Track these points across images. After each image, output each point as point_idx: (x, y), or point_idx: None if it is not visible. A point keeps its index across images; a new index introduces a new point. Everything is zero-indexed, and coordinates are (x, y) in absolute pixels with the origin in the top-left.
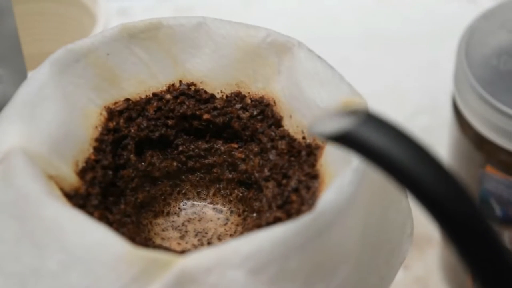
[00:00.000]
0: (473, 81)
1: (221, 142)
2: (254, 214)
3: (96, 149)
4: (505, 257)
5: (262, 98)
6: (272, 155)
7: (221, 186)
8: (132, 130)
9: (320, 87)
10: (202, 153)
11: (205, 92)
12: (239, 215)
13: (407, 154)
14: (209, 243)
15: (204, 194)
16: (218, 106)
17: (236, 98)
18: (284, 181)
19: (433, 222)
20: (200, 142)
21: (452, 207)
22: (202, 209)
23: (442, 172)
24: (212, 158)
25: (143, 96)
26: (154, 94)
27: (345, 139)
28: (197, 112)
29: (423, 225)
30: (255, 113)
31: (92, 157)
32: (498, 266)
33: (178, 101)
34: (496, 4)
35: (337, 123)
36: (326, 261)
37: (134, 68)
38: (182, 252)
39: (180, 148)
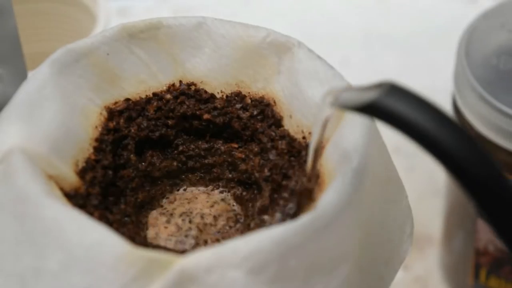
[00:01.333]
0: (473, 81)
1: (221, 142)
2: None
3: (96, 149)
4: None
5: (262, 98)
6: (272, 155)
7: (220, 184)
8: (132, 130)
9: (320, 87)
10: (202, 153)
11: (205, 92)
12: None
13: (431, 120)
14: (190, 222)
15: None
16: (218, 106)
17: (236, 98)
18: (284, 182)
19: (457, 185)
20: (200, 142)
21: (475, 169)
22: (193, 192)
23: (464, 137)
24: (212, 158)
25: (143, 96)
26: (154, 94)
27: (372, 109)
28: (197, 112)
29: (423, 225)
30: (255, 113)
31: (92, 157)
32: None
33: (178, 101)
34: (496, 4)
35: (362, 94)
36: (325, 261)
37: (134, 68)
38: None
39: (180, 148)
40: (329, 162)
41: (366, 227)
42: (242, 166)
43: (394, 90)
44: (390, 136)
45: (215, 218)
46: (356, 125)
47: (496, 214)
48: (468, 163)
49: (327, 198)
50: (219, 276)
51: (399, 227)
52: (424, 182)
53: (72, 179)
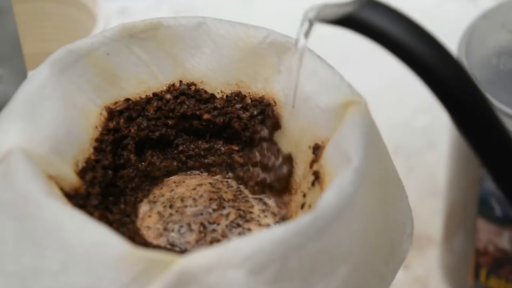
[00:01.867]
0: None
1: (221, 142)
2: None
3: (96, 149)
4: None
5: (262, 98)
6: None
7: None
8: (132, 130)
9: (320, 87)
10: (202, 152)
11: (205, 92)
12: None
13: (404, 30)
14: (170, 207)
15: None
16: (218, 106)
17: (236, 98)
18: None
19: (426, 87)
20: (200, 142)
21: (442, 71)
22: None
23: (435, 44)
24: (211, 158)
25: (143, 96)
26: (154, 94)
27: (349, 22)
28: (197, 112)
29: (423, 225)
30: (255, 113)
31: (92, 157)
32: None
33: (178, 101)
34: (496, 4)
35: (341, 9)
36: (326, 261)
37: (134, 68)
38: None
39: (180, 148)
40: (329, 162)
41: (366, 227)
42: (240, 172)
43: (369, 3)
44: (390, 136)
45: (196, 200)
46: (356, 125)
47: (463, 111)
48: (440, 68)
49: (327, 198)
50: (219, 276)
51: (399, 227)
52: (424, 182)
53: (72, 179)
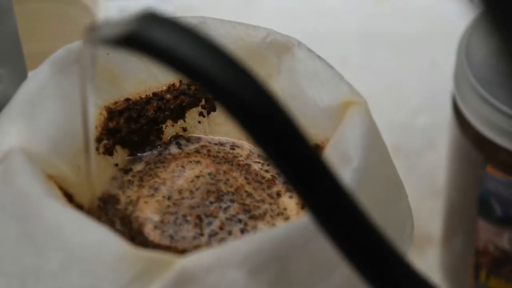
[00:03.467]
0: (473, 81)
1: None
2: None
3: (96, 149)
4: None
5: None
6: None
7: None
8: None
9: (320, 87)
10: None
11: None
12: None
13: (189, 47)
14: (156, 189)
15: None
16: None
17: None
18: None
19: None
20: None
21: (241, 94)
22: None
23: (229, 63)
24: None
25: (143, 96)
26: (154, 94)
27: (130, 41)
28: None
29: (423, 225)
30: None
31: None
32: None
33: (178, 101)
34: None
35: (120, 26)
36: (326, 261)
37: (134, 68)
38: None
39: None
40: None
41: None
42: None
43: (151, 18)
44: (390, 136)
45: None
46: (356, 125)
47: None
48: (235, 87)
49: None
50: (219, 276)
51: (399, 227)
52: (424, 182)
53: (72, 179)
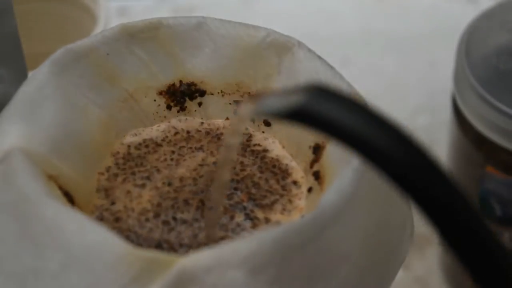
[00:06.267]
0: (473, 81)
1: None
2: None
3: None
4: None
5: None
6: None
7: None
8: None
9: None
10: None
11: (206, 92)
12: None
13: (361, 122)
14: (147, 178)
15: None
16: None
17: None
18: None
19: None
20: None
21: (414, 175)
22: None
23: (402, 138)
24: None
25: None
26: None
27: (298, 115)
28: None
29: (423, 225)
30: None
31: None
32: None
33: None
34: (496, 4)
35: (287, 100)
36: (326, 261)
37: (134, 68)
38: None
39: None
40: (329, 163)
41: (366, 227)
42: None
43: (321, 92)
44: None
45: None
46: None
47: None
48: (409, 169)
49: (328, 198)
50: (219, 276)
51: (399, 227)
52: None
53: (72, 179)
